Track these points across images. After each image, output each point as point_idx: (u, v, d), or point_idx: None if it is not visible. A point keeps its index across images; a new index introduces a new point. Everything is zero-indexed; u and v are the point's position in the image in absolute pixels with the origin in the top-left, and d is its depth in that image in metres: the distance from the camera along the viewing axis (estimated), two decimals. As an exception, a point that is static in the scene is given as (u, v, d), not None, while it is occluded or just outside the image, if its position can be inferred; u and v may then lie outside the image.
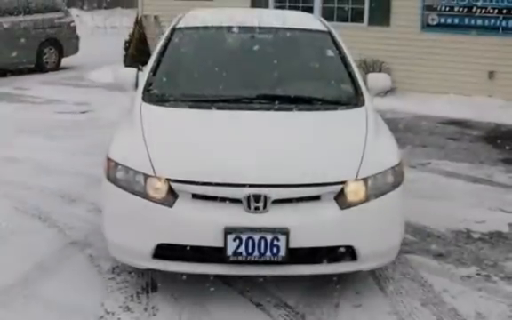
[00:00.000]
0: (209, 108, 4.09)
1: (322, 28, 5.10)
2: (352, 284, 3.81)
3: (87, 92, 11.19)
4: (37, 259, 4.14)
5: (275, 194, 3.41)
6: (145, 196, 3.49)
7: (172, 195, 3.46)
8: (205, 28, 5.08)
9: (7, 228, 4.64)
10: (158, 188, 3.48)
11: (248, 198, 3.39)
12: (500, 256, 4.36)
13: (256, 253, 3.37)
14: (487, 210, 5.29)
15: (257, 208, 3.40)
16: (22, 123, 8.44)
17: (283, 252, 3.37)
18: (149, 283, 3.81)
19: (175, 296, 3.67)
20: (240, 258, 3.38)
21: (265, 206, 3.41)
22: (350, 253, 3.50)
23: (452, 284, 3.92)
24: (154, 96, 4.27)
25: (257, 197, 3.39)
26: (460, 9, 10.25)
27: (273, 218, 3.39)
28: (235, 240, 3.35)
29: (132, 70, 4.70)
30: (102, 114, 8.87)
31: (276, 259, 3.39)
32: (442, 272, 4.08)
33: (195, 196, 3.46)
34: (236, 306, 3.59)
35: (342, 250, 3.48)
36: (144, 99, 4.22)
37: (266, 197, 3.40)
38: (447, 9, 10.36)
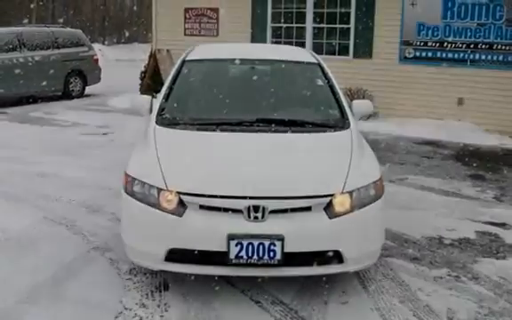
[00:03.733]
0: (214, 130, 4.10)
1: (313, 60, 5.13)
2: (339, 283, 3.83)
3: (107, 116, 11.22)
4: (64, 261, 4.16)
5: (271, 205, 3.43)
6: (158, 206, 3.51)
7: (182, 206, 3.48)
8: (212, 60, 5.13)
9: (38, 235, 4.66)
10: (170, 200, 3.50)
11: (248, 209, 3.41)
12: (469, 259, 4.37)
13: (255, 257, 3.38)
14: (457, 219, 5.30)
15: (256, 217, 3.42)
16: (51, 143, 8.48)
17: (278, 256, 3.38)
18: (162, 283, 3.82)
19: (184, 294, 3.68)
20: (241, 261, 3.39)
21: (263, 216, 3.42)
22: (337, 257, 3.51)
23: (427, 283, 3.93)
24: (166, 120, 4.29)
25: (256, 208, 3.41)
26: (433, 44, 10.32)
27: (270, 226, 3.41)
28: (237, 245, 3.37)
29: (147, 97, 4.72)
30: (120, 135, 8.91)
31: (272, 262, 3.40)
32: (417, 273, 4.10)
33: (201, 207, 3.47)
34: (238, 303, 3.60)
35: (330, 254, 3.49)
36: (157, 122, 4.25)
37: (264, 208, 3.41)
38: (422, 44, 10.43)
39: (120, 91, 13.58)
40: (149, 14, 14.48)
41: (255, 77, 4.92)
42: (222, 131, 4.09)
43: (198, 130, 4.14)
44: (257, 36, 11.89)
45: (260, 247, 3.37)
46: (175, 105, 4.52)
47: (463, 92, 10.07)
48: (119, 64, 23.76)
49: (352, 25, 10.97)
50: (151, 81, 12.24)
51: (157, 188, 3.55)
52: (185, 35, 13.06)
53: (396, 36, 10.60)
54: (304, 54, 5.42)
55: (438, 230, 4.95)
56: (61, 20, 25.81)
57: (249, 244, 3.36)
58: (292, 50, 6.09)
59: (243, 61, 4.96)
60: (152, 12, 13.60)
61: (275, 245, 3.37)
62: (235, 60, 4.98)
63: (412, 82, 10.42)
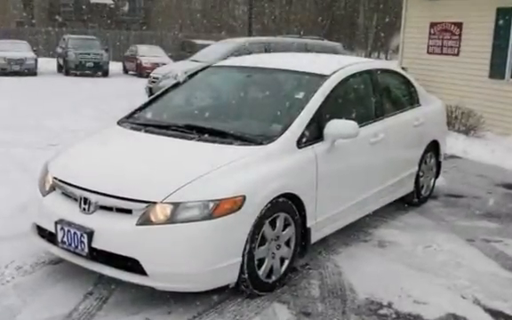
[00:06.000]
0: (139, 130, 4.73)
1: (326, 72, 5.04)
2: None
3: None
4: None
5: (99, 200, 3.89)
6: (42, 186, 4.41)
7: (54, 189, 4.31)
8: (222, 66, 5.69)
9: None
10: (48, 182, 4.36)
11: (80, 199, 4.00)
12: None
13: (73, 245, 3.93)
14: None
15: (84, 209, 3.97)
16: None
17: (86, 249, 3.84)
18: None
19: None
20: (65, 246, 3.98)
21: (89, 208, 3.94)
22: (139, 267, 3.71)
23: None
24: (124, 120, 5.09)
25: (85, 200, 3.97)
26: None
27: (92, 219, 3.88)
28: (61, 230, 3.99)
29: None
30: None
31: (82, 253, 3.89)
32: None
33: (63, 193, 4.24)
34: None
35: (131, 262, 3.73)
36: (118, 122, 5.08)
37: (90, 201, 3.95)
38: None
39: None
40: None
41: (242, 86, 5.28)
42: (146, 132, 4.69)
43: (133, 129, 4.82)
44: (496, 56, 10.90)
45: (75, 236, 3.92)
46: (144, 110, 5.26)
47: None
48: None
49: None
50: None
51: (47, 170, 4.48)
52: (428, 53, 12.80)
53: None
54: (327, 64, 5.36)
55: None
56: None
57: (68, 231, 3.95)
58: (315, 58, 6.01)
59: (243, 69, 5.36)
60: (401, 27, 13.75)
61: (83, 237, 3.86)
62: (241, 67, 5.42)
63: None
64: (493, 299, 4.29)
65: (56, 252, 4.17)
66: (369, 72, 5.64)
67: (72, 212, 4.00)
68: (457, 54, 12.11)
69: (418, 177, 6.29)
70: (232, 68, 5.65)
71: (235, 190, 3.83)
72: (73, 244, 3.93)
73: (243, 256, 3.87)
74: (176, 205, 3.72)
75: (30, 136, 9.59)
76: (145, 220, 3.73)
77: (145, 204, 3.76)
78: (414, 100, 6.33)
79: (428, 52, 12.82)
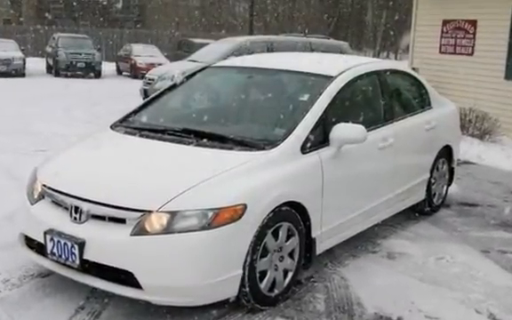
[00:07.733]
0: (134, 134, 4.75)
1: (332, 73, 5.05)
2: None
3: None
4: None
5: (91, 209, 3.89)
6: (30, 194, 4.44)
7: (43, 197, 4.32)
8: (221, 67, 5.71)
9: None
10: (36, 189, 4.38)
11: (71, 208, 4.01)
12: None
13: (63, 256, 3.93)
14: None
15: (75, 218, 3.98)
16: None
17: (77, 261, 3.85)
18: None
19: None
20: (55, 257, 3.98)
21: (80, 217, 3.95)
22: (133, 280, 3.72)
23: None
24: (117, 124, 5.10)
25: (76, 209, 3.98)
26: None
27: (82, 229, 3.89)
28: (50, 241, 3.99)
29: None
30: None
31: (73, 265, 3.89)
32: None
33: (53, 201, 4.24)
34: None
35: (124, 274, 3.73)
36: (111, 126, 5.09)
37: (81, 210, 3.95)
38: None
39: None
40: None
41: (242, 88, 5.31)
42: (141, 136, 4.70)
43: (127, 133, 4.84)
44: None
45: (66, 247, 3.93)
46: (139, 113, 5.28)
47: None
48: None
49: None
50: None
51: (35, 176, 4.50)
52: (440, 52, 12.82)
53: None
54: (332, 65, 5.38)
55: None
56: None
57: (58, 241, 3.96)
58: (320, 58, 6.05)
59: (244, 70, 5.39)
60: (411, 25, 13.78)
61: (74, 248, 3.87)
62: (241, 68, 5.45)
63: None
64: (510, 313, 4.30)
65: (45, 263, 4.18)
66: (377, 73, 5.65)
67: (62, 222, 4.01)
68: (471, 54, 12.13)
69: (429, 184, 6.29)
70: (232, 69, 5.69)
71: (235, 198, 3.84)
72: (63, 256, 3.94)
73: (243, 268, 3.88)
74: (173, 214, 3.72)
75: (18, 141, 9.61)
76: (140, 230, 3.74)
77: (140, 213, 3.76)
78: (425, 103, 6.35)
79: (441, 52, 12.84)
